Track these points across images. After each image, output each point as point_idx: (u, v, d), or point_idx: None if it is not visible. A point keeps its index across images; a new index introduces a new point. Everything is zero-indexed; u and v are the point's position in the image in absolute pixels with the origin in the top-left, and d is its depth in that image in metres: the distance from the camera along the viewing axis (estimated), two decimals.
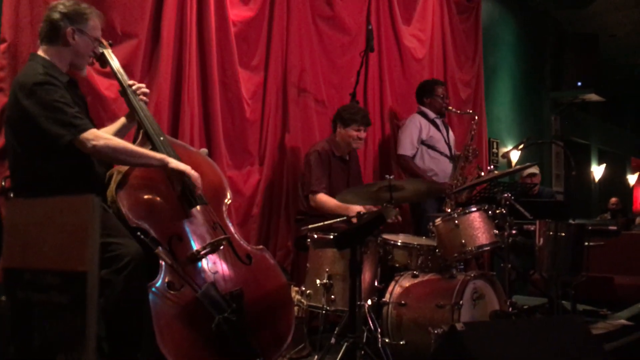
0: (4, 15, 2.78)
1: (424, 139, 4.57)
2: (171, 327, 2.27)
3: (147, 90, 2.69)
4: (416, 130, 4.56)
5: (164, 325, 2.24)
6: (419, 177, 4.37)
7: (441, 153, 4.60)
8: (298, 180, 3.99)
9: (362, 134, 3.87)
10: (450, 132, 4.83)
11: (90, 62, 2.57)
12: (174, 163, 2.45)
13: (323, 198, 3.63)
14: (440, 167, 4.56)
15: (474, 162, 4.58)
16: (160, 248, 2.35)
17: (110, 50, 2.65)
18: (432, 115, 4.66)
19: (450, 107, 4.76)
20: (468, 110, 5.08)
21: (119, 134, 2.70)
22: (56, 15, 2.40)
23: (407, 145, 4.55)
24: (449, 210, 3.60)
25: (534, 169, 5.65)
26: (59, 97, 2.27)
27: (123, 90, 2.63)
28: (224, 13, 3.68)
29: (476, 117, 4.73)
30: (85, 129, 2.28)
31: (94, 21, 2.47)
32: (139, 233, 2.35)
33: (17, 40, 2.80)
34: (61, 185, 2.33)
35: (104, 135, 2.34)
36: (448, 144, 4.68)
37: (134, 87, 2.63)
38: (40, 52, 2.43)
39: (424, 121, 4.61)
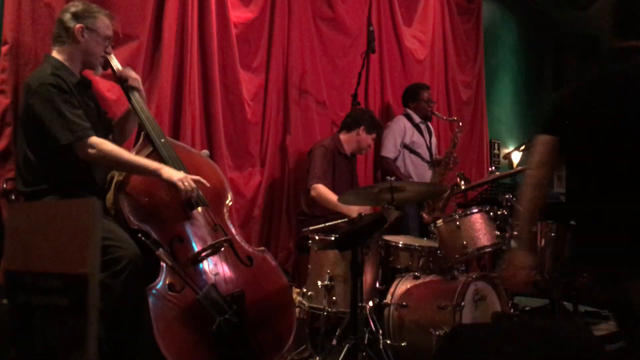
0: (5, 17, 2.78)
1: (406, 142, 4.57)
2: (172, 328, 2.27)
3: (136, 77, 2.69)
4: (400, 133, 4.56)
5: (164, 327, 2.24)
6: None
7: (422, 158, 4.60)
8: (299, 178, 4.00)
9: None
10: (433, 138, 4.82)
11: (102, 62, 2.58)
12: (166, 174, 2.42)
13: (324, 190, 3.64)
14: (418, 172, 4.55)
15: (454, 169, 4.50)
16: (161, 250, 2.35)
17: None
18: (417, 119, 4.67)
19: (435, 112, 4.72)
20: (453, 117, 4.94)
21: (130, 124, 2.75)
22: (66, 16, 2.46)
23: (390, 148, 4.55)
24: (426, 216, 3.57)
25: None
26: (61, 101, 2.30)
27: (125, 93, 2.66)
28: (225, 15, 3.69)
29: (460, 124, 4.60)
30: (82, 136, 2.31)
31: (102, 20, 2.52)
32: (140, 235, 2.35)
33: (19, 42, 2.81)
34: (62, 184, 2.36)
35: (98, 144, 2.35)
36: (429, 150, 4.68)
37: (129, 81, 2.64)
38: (53, 54, 2.48)
39: (408, 125, 4.62)
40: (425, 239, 3.62)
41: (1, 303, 1.19)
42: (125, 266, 2.20)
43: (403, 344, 2.99)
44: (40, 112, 2.30)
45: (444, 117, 4.89)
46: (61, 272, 1.06)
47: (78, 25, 2.44)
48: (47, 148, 2.34)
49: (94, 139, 2.34)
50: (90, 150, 2.32)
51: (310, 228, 3.09)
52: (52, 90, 2.30)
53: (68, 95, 2.35)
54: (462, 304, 2.91)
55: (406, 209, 4.26)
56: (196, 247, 2.49)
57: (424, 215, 3.74)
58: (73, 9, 2.48)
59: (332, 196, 3.58)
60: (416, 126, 4.64)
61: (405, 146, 4.57)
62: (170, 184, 2.44)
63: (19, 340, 1.15)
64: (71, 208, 1.07)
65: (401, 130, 4.57)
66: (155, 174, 2.43)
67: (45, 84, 2.30)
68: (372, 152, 4.71)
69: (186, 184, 2.44)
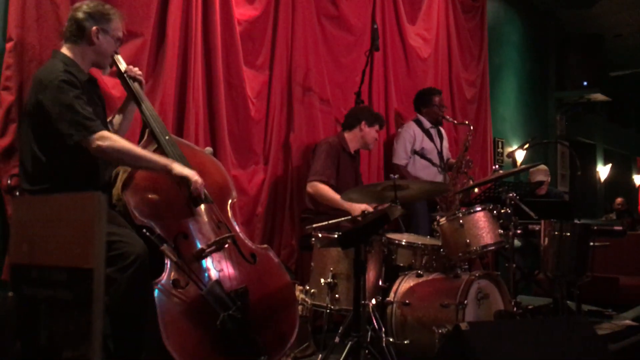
0: (10, 14, 2.79)
1: (416, 149, 4.61)
2: (176, 324, 2.28)
3: (140, 73, 2.71)
4: (410, 139, 4.61)
5: (169, 323, 2.25)
6: None
7: (432, 163, 4.63)
8: (303, 176, 4.00)
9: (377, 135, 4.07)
10: (445, 142, 4.84)
11: (110, 62, 2.60)
12: (177, 169, 2.44)
13: (321, 187, 3.65)
14: (429, 177, 4.57)
15: (468, 172, 4.51)
16: (165, 245, 2.36)
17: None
18: (427, 125, 4.70)
19: (447, 117, 4.74)
20: (464, 122, 4.84)
21: (126, 120, 2.75)
22: (81, 15, 2.45)
23: (401, 155, 4.61)
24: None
25: (543, 176, 5.61)
26: (74, 96, 2.30)
27: (128, 90, 2.66)
28: (229, 12, 3.69)
29: (472, 128, 4.61)
30: (95, 131, 2.30)
31: (116, 22, 2.53)
32: (144, 230, 2.36)
33: (24, 39, 2.81)
34: (68, 182, 2.36)
35: (111, 137, 2.35)
36: (440, 154, 4.70)
37: (130, 73, 2.66)
38: (63, 50, 2.47)
39: (418, 131, 4.65)
40: (428, 237, 3.62)
41: (7, 296, 1.19)
42: (133, 262, 2.20)
43: (406, 342, 2.99)
44: (50, 108, 2.28)
45: (455, 122, 4.88)
46: (67, 266, 1.07)
47: (94, 27, 2.45)
48: (54, 144, 2.33)
49: (106, 133, 2.35)
50: (103, 143, 2.30)
51: (314, 225, 3.10)
52: (64, 86, 2.29)
53: (79, 91, 2.34)
54: (465, 302, 2.91)
55: (416, 207, 4.27)
56: (200, 244, 2.49)
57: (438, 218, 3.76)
58: (87, 9, 2.47)
59: (332, 194, 3.58)
60: (426, 132, 4.67)
61: (415, 152, 4.60)
62: (182, 179, 2.45)
63: (25, 333, 1.15)
64: (77, 202, 1.07)
65: (411, 137, 4.62)
66: (165, 170, 2.43)
67: (57, 80, 2.29)
68: (376, 157, 4.72)
69: (197, 178, 2.47)
